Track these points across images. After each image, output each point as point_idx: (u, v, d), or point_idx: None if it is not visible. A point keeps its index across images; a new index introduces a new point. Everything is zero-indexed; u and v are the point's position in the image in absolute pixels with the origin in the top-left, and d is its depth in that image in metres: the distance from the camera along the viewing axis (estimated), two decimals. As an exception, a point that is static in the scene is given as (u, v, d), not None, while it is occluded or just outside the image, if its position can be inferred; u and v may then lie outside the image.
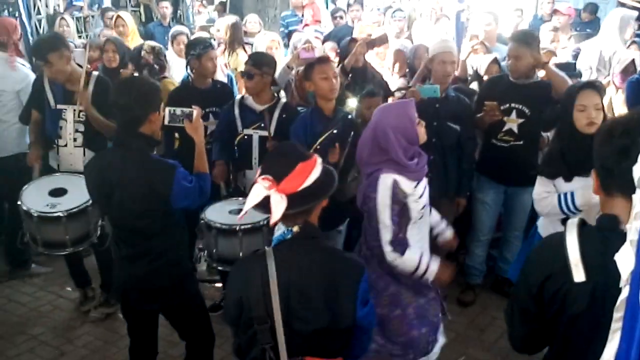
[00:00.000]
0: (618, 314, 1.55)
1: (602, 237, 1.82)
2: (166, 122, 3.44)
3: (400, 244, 3.16)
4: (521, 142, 4.54)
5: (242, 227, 3.70)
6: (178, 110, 3.49)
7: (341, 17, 8.34)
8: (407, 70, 5.73)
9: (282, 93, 4.98)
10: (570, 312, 1.89)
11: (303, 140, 3.97)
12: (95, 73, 4.79)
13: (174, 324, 3.52)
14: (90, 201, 4.19)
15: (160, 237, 3.19)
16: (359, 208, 3.28)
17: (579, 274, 1.84)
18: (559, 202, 3.47)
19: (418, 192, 3.21)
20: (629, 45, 5.91)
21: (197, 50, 4.71)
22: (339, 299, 2.16)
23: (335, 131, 4.02)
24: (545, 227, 3.75)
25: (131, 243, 3.24)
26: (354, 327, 2.23)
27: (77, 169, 4.61)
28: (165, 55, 5.64)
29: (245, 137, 4.36)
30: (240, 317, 2.22)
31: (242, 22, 7.33)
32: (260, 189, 2.13)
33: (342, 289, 2.17)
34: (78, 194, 4.20)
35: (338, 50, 5.79)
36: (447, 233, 3.63)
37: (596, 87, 3.53)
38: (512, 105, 4.49)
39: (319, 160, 2.28)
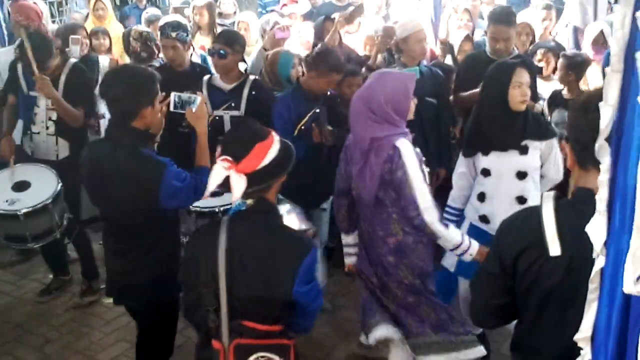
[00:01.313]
0: (593, 285, 1.57)
1: (578, 211, 1.81)
2: (171, 109, 3.32)
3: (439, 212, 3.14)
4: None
5: (222, 208, 3.69)
6: (185, 95, 3.35)
7: None
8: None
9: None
10: (545, 285, 1.90)
11: (287, 121, 3.97)
12: (73, 60, 4.71)
13: (139, 323, 3.36)
14: (51, 199, 4.11)
15: (147, 235, 3.03)
16: (376, 189, 3.15)
17: (554, 248, 1.84)
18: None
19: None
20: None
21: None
22: (277, 272, 2.28)
23: (317, 110, 4.01)
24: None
25: (119, 238, 3.11)
26: (294, 302, 2.32)
27: (49, 157, 4.58)
28: (154, 41, 5.30)
29: (217, 117, 4.24)
30: (190, 277, 2.36)
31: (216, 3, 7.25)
32: (220, 169, 2.24)
33: (281, 265, 2.28)
34: (41, 189, 4.14)
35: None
36: None
37: (528, 65, 3.62)
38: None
39: (277, 138, 2.39)
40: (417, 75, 4.29)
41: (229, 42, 4.23)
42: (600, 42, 5.17)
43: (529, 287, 1.95)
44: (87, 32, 5.66)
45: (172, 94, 3.33)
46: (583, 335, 1.64)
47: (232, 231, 2.31)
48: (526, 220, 1.98)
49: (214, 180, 2.25)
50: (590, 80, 5.10)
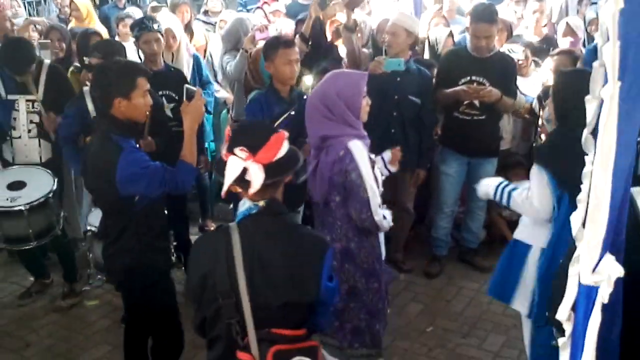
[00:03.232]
0: (573, 268, 1.58)
1: None
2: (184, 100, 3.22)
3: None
4: (482, 114, 4.58)
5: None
6: (192, 88, 3.27)
7: None
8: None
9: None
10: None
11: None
12: (47, 61, 4.66)
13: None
14: (52, 192, 4.13)
15: (118, 220, 3.13)
16: (325, 191, 3.14)
17: None
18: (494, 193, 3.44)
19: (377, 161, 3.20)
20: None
21: (135, 33, 4.61)
22: (303, 274, 2.18)
23: (292, 112, 3.97)
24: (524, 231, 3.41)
25: (102, 221, 3.31)
26: (319, 301, 2.24)
27: (32, 160, 4.53)
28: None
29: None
30: (203, 293, 2.23)
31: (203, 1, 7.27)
32: (236, 161, 2.15)
33: (306, 265, 2.19)
34: (38, 186, 4.13)
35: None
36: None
37: None
38: (473, 78, 4.52)
39: (286, 134, 2.30)
40: (401, 66, 4.33)
41: None
42: (569, 34, 5.22)
43: None
44: (101, 37, 5.50)
45: (185, 87, 3.29)
46: (561, 315, 1.64)
47: (247, 236, 2.19)
48: None
49: (231, 173, 2.15)
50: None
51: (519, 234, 3.40)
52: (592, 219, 1.39)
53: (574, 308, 1.63)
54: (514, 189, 3.32)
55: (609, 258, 1.35)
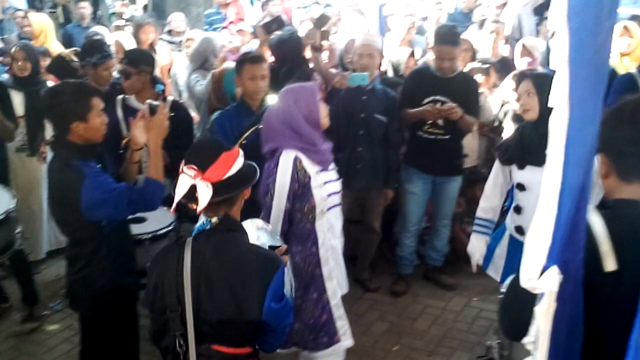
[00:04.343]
0: None
1: (627, 223, 1.73)
2: (146, 116, 3.18)
3: (302, 235, 3.20)
4: (446, 134, 4.63)
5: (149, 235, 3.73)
6: (154, 103, 3.22)
7: (279, 4, 8.12)
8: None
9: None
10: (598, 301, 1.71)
11: (229, 135, 3.90)
12: None
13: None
14: (13, 207, 4.06)
15: (86, 245, 3.06)
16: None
17: (610, 262, 1.71)
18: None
19: (322, 179, 3.20)
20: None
21: (94, 59, 4.57)
22: (246, 291, 2.21)
23: (261, 126, 3.97)
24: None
25: (68, 246, 3.21)
26: (264, 322, 2.25)
27: None
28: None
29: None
30: (155, 303, 2.29)
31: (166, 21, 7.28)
32: (185, 179, 2.20)
33: (251, 282, 2.22)
34: None
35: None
36: None
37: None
38: (437, 97, 4.57)
39: (241, 152, 2.35)
40: (366, 80, 4.38)
41: (134, 62, 4.16)
42: (526, 54, 5.34)
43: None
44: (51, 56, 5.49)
45: (148, 102, 3.25)
46: (529, 339, 1.66)
47: (197, 251, 2.24)
48: None
49: (179, 190, 2.20)
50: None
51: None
52: (535, 229, 1.43)
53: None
54: None
55: (553, 271, 1.39)
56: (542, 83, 3.28)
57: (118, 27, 7.14)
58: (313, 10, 8.82)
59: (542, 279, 1.42)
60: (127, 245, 3.28)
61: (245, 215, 2.50)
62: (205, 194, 2.17)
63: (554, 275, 1.44)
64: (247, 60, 4.05)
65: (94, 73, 4.63)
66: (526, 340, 1.67)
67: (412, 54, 5.52)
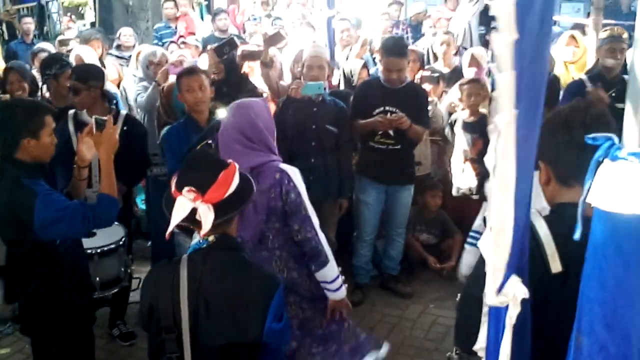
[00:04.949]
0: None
1: (568, 227, 1.74)
2: (94, 132, 3.09)
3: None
4: (397, 144, 4.69)
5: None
6: (100, 118, 3.10)
7: (225, 19, 8.15)
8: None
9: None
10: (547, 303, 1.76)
11: (177, 152, 3.87)
12: None
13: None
14: None
15: (40, 266, 2.98)
16: (259, 224, 3.05)
17: (555, 265, 1.75)
18: None
19: None
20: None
21: (54, 70, 4.50)
22: (247, 312, 2.12)
23: (210, 141, 3.95)
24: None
25: (20, 268, 3.07)
26: (264, 343, 2.17)
27: None
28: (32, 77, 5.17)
29: None
30: (151, 323, 2.18)
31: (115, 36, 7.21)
32: (184, 201, 2.08)
33: (252, 303, 2.13)
34: None
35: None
36: None
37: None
38: (386, 108, 4.63)
39: (237, 166, 2.25)
40: (321, 89, 4.42)
41: (83, 78, 4.11)
42: (474, 64, 5.48)
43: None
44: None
45: (94, 117, 3.14)
46: (479, 345, 1.68)
47: (194, 271, 2.14)
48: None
49: (178, 214, 2.07)
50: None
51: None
52: (496, 242, 1.44)
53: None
54: None
55: (515, 279, 1.40)
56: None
57: (62, 43, 7.01)
58: (264, 22, 8.86)
59: (506, 291, 1.42)
60: (82, 263, 3.21)
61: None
62: (208, 217, 2.06)
63: (517, 284, 1.45)
64: (183, 73, 4.11)
65: (56, 85, 4.54)
66: (476, 347, 1.70)
67: (364, 66, 5.59)
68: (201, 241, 2.20)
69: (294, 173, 3.04)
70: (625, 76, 4.84)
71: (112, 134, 3.06)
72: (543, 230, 1.76)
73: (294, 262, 3.11)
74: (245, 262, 2.29)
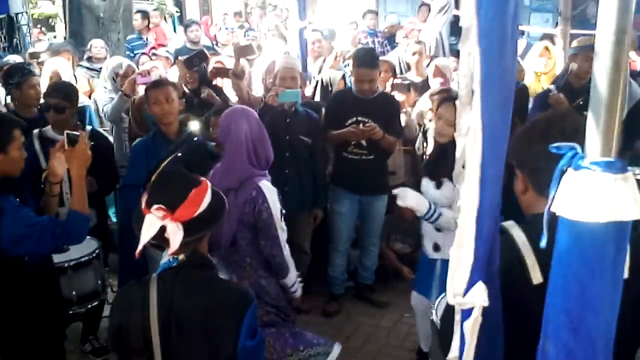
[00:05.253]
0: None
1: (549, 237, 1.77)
2: (65, 147, 3.03)
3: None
4: (370, 154, 4.70)
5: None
6: (73, 134, 3.05)
7: (197, 31, 8.12)
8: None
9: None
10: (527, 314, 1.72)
11: (145, 165, 3.82)
12: None
13: None
14: None
15: (8, 284, 2.88)
16: (232, 231, 3.15)
17: (536, 275, 1.72)
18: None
19: None
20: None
21: (16, 79, 4.45)
22: (220, 332, 2.07)
23: (180, 154, 3.92)
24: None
25: None
26: None
27: None
28: None
29: None
30: (120, 346, 2.11)
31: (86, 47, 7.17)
32: (153, 220, 2.03)
33: (224, 322, 2.08)
34: None
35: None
36: None
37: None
38: (359, 118, 4.64)
39: (209, 184, 2.21)
40: (298, 97, 4.47)
41: (67, 96, 4.09)
42: (438, 75, 5.56)
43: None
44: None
45: (66, 132, 3.08)
46: (452, 355, 1.69)
47: (165, 291, 2.07)
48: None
49: (147, 232, 2.02)
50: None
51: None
52: (459, 244, 1.46)
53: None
54: (439, 216, 3.49)
55: (480, 286, 1.42)
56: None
57: (33, 56, 6.94)
58: (237, 33, 8.87)
59: (469, 295, 1.44)
60: (52, 279, 3.14)
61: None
62: (176, 236, 2.02)
63: (482, 290, 1.46)
64: (150, 86, 4.11)
65: (20, 94, 4.48)
66: (450, 356, 1.70)
67: (342, 77, 5.64)
68: (171, 260, 2.14)
69: (271, 193, 3.12)
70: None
71: (84, 149, 3.01)
72: (521, 239, 1.75)
73: (263, 270, 3.22)
74: (217, 280, 2.24)
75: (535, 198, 1.85)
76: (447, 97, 3.75)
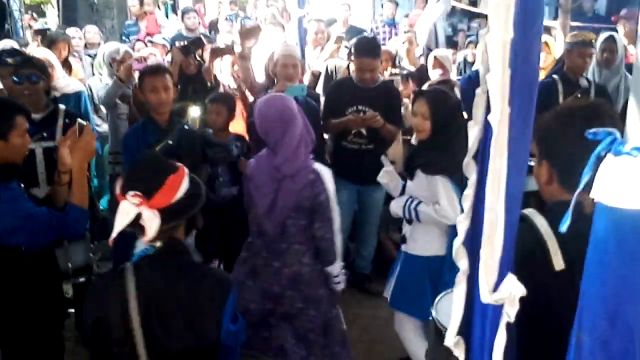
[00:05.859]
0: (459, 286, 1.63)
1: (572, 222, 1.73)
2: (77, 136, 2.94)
3: None
4: (370, 143, 4.69)
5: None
6: (83, 122, 2.97)
7: (194, 18, 8.04)
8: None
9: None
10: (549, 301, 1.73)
11: (135, 152, 3.77)
12: None
13: None
14: None
15: (6, 273, 2.84)
16: (284, 218, 3.15)
17: (559, 262, 1.72)
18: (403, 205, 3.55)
19: None
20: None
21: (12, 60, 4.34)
22: (203, 317, 2.06)
23: (170, 142, 3.84)
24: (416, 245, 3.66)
25: None
26: (222, 345, 2.12)
27: None
28: None
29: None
30: (97, 339, 2.07)
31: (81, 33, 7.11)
32: (128, 206, 2.00)
33: (207, 307, 2.08)
34: None
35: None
36: None
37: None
38: (359, 107, 4.62)
39: (186, 170, 2.18)
40: (304, 91, 4.43)
41: (42, 69, 3.93)
42: (438, 66, 5.54)
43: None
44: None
45: (78, 121, 2.99)
46: (449, 341, 1.66)
47: (142, 279, 2.05)
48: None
49: (122, 220, 1.99)
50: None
51: (413, 249, 3.61)
52: (489, 241, 1.43)
53: (460, 332, 1.65)
54: (418, 204, 3.45)
55: (511, 278, 1.39)
56: (437, 105, 3.39)
57: (38, 32, 6.86)
58: (238, 22, 8.80)
59: (502, 289, 1.40)
60: (51, 267, 3.07)
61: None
62: (152, 223, 1.99)
63: (514, 282, 1.43)
64: (147, 72, 3.99)
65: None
66: (449, 342, 1.67)
67: (347, 67, 5.58)
68: (147, 247, 2.11)
69: (328, 174, 3.14)
70: (588, 77, 5.03)
71: (89, 141, 2.90)
72: (544, 227, 1.74)
73: (308, 258, 3.21)
74: (195, 265, 2.22)
75: (559, 191, 1.81)
76: (419, 92, 3.69)
